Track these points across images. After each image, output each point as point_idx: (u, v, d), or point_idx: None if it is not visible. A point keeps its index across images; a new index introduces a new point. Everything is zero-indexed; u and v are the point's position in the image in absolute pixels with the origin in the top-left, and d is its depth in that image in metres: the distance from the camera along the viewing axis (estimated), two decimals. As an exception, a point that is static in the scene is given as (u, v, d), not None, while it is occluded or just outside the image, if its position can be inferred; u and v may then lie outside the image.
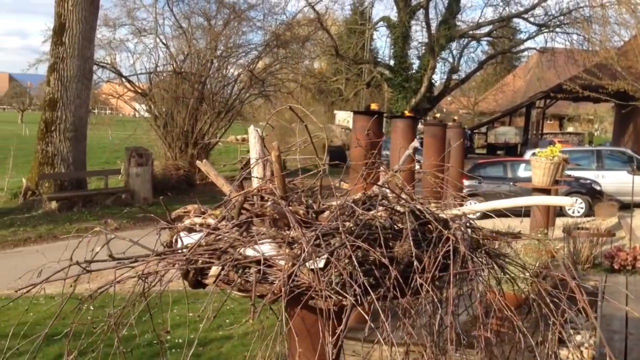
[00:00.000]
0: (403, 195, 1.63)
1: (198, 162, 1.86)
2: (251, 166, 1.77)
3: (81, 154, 17.30)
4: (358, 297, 1.38)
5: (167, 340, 6.40)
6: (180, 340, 6.35)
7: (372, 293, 1.37)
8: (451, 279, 1.50)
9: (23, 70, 24.99)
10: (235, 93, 24.19)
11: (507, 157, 27.68)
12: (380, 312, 1.37)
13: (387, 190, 1.65)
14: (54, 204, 15.59)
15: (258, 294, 1.46)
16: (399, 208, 1.62)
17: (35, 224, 14.27)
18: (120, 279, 1.49)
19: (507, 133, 38.56)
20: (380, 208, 1.60)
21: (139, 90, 23.36)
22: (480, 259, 1.61)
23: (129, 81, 23.19)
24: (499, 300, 1.78)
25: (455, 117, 8.51)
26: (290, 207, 1.52)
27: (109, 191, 17.44)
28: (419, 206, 1.63)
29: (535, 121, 36.89)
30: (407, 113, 6.64)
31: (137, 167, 17.57)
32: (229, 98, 23.87)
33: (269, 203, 1.52)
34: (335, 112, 37.15)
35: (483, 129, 43.44)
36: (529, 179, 10.68)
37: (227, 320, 7.83)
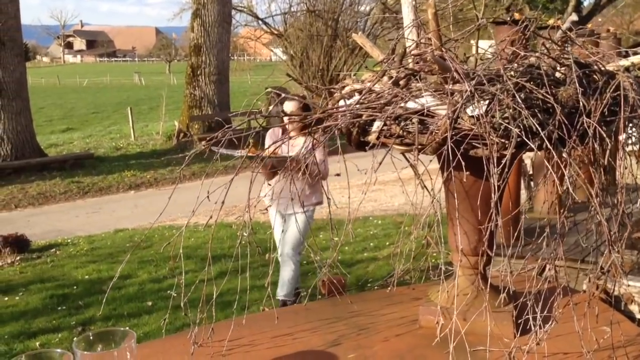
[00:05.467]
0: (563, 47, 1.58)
1: (354, 35, 1.90)
2: (405, 30, 1.79)
3: (225, 96, 18.23)
4: (522, 135, 1.37)
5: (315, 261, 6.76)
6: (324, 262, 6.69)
7: (539, 131, 1.36)
8: (621, 123, 1.44)
9: (169, 20, 26.50)
10: (369, 28, 23.94)
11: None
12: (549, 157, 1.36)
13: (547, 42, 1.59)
14: (203, 144, 16.69)
15: (420, 145, 1.50)
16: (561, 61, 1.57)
17: (188, 163, 15.40)
18: (289, 133, 1.59)
19: (669, 51, 34.75)
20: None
21: (275, 32, 23.91)
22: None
23: (265, 23, 23.80)
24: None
25: (610, 28, 7.77)
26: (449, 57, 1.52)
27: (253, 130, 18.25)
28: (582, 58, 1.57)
29: (703, 35, 32.96)
30: (556, 22, 6.18)
31: (277, 106, 18.20)
32: (363, 33, 23.71)
33: (428, 54, 1.53)
34: (471, 41, 35.52)
35: None
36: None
37: (372, 244, 8.12)
